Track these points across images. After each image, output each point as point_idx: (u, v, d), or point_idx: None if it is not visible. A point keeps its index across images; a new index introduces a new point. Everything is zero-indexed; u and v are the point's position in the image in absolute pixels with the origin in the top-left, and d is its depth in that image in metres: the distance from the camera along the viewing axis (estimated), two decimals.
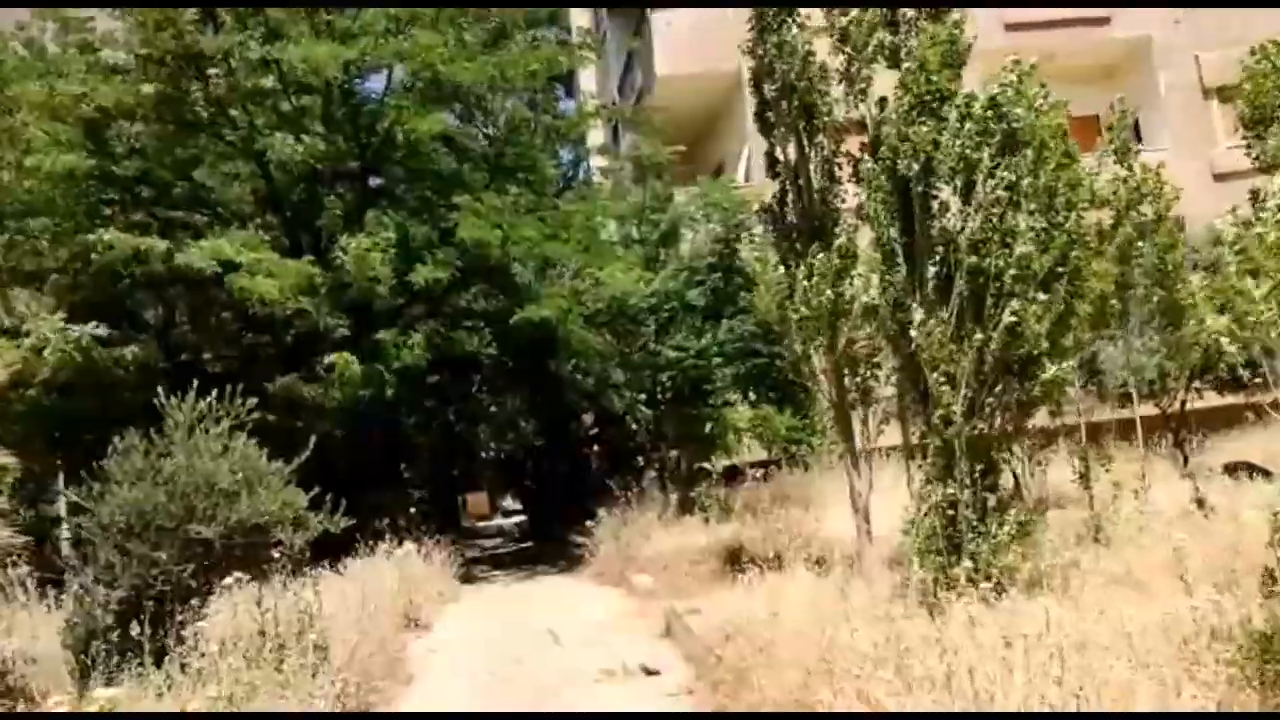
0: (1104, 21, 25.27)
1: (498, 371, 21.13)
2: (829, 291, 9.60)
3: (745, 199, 16.08)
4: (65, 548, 14.42)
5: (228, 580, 8.21)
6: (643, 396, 19.10)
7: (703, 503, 15.17)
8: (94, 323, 15.47)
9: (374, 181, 19.37)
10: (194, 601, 8.44)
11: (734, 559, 13.06)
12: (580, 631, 10.87)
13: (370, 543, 14.17)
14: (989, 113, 7.70)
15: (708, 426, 15.75)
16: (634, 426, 21.34)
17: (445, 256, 16.31)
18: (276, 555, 9.21)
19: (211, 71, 16.70)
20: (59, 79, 15.79)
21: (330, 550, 13.94)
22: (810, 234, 9.93)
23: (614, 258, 16.01)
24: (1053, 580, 7.51)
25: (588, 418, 23.18)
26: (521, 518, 34.01)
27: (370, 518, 18.21)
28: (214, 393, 9.39)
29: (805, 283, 9.73)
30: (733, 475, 17.79)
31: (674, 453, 17.37)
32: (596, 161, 23.31)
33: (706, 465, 15.70)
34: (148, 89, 15.91)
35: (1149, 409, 13.59)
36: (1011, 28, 22.88)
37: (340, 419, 17.40)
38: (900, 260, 8.19)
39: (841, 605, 7.75)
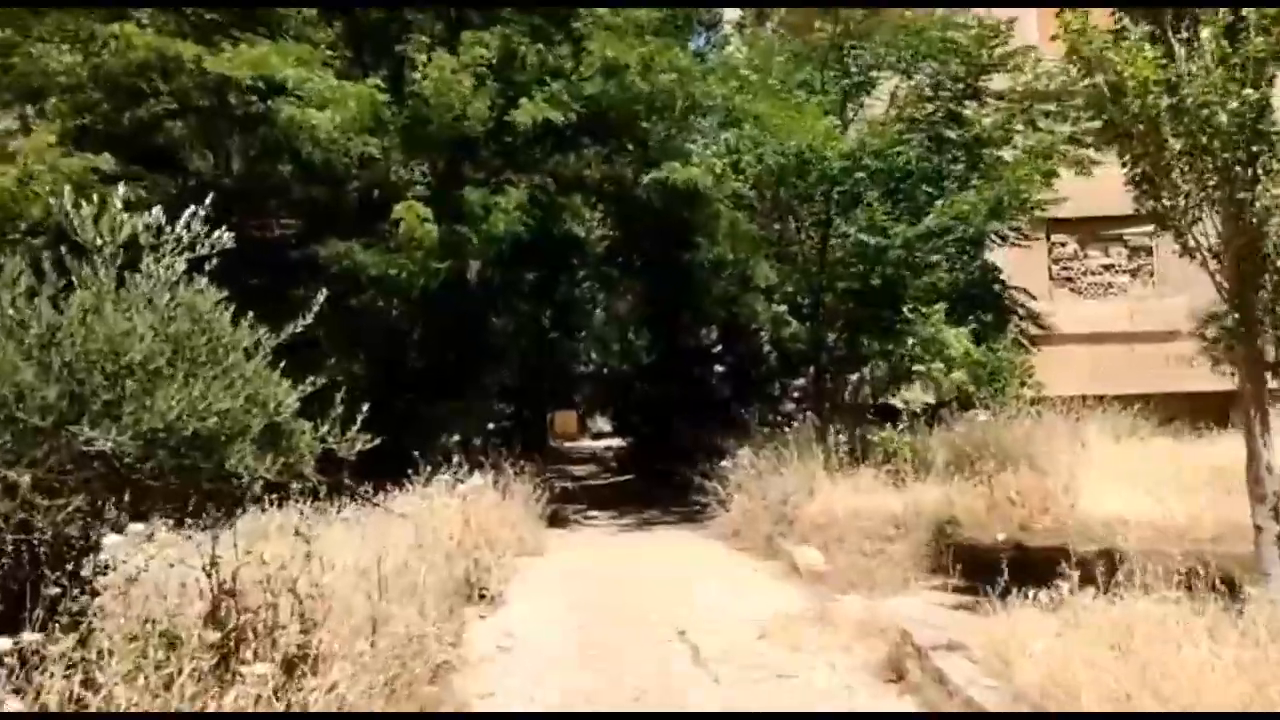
0: None
1: (610, 263, 16.99)
2: (1246, 92, 5.31)
3: (989, 31, 11.51)
4: None
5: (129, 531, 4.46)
6: (783, 308, 14.95)
7: (889, 449, 10.97)
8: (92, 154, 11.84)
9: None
10: (83, 562, 4.75)
11: (944, 538, 9.02)
12: (731, 641, 6.87)
13: (436, 465, 10.54)
14: None
15: (907, 344, 11.44)
16: (766, 344, 17.27)
17: (560, 92, 12.19)
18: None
19: None
20: None
21: (382, 472, 10.45)
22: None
23: (792, 104, 11.65)
24: None
25: (709, 330, 19.04)
26: (615, 441, 30.27)
27: (438, 432, 14.59)
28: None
29: (1200, 80, 5.44)
30: (891, 415, 13.62)
31: (854, 376, 13.09)
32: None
33: (896, 400, 11.47)
34: None
35: None
36: None
37: (410, 303, 13.66)
38: None
39: None
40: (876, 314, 11.76)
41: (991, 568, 8.49)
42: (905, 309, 11.49)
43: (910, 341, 11.40)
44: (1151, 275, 17.98)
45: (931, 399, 11.60)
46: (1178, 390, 16.92)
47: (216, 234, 5.17)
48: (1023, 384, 14.22)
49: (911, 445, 10.88)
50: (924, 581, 8.48)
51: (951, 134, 12.04)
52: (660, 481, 16.97)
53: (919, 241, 10.76)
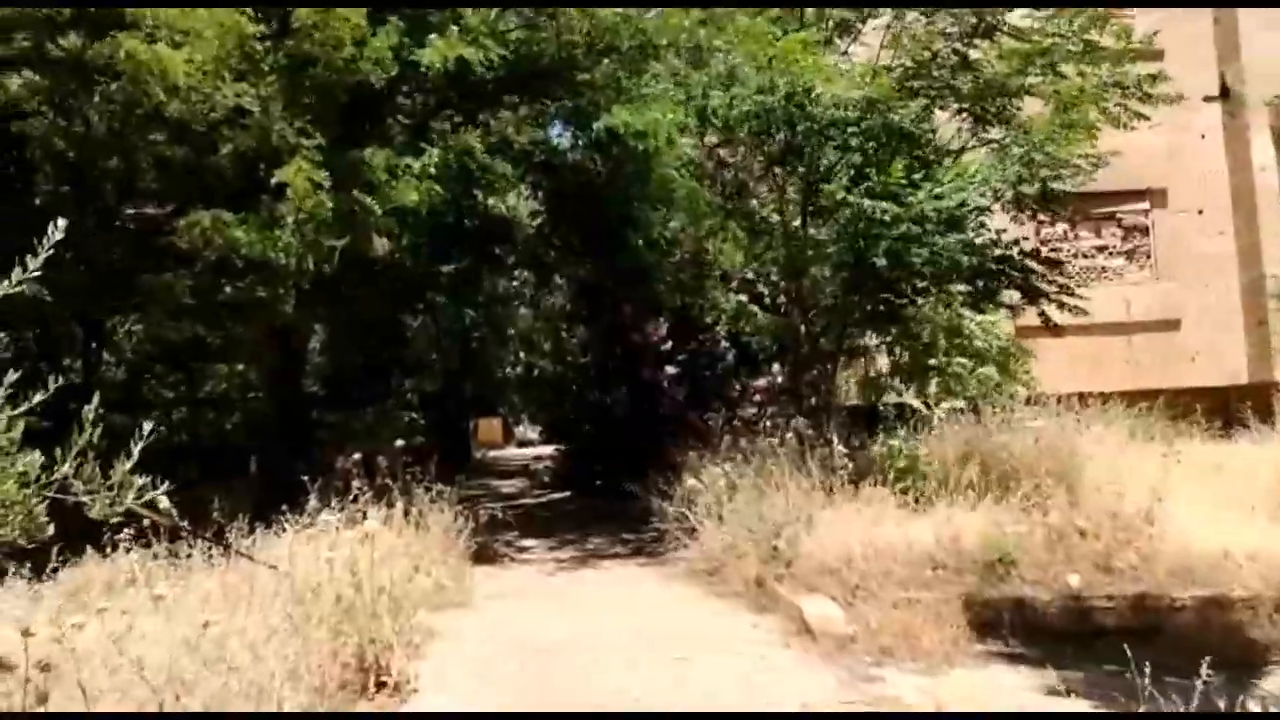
0: None
1: (543, 245, 14.54)
2: None
3: None
4: None
5: None
6: (743, 297, 12.87)
7: (900, 464, 8.79)
8: None
9: None
10: None
11: (998, 583, 6.94)
12: None
13: (335, 491, 8.34)
14: None
15: (922, 334, 9.26)
16: (724, 339, 15.15)
17: (479, 27, 9.87)
18: None
19: None
20: None
21: (272, 501, 8.41)
22: None
23: (773, 37, 9.36)
24: None
25: (657, 324, 16.69)
26: (546, 450, 27.89)
27: (339, 451, 12.24)
28: None
29: None
30: (873, 420, 11.55)
31: (841, 374, 10.86)
32: None
33: (914, 400, 9.30)
34: None
35: None
36: None
37: (305, 294, 11.19)
38: None
39: None
40: (876, 298, 9.62)
41: (1072, 625, 6.45)
42: (912, 291, 9.39)
43: (927, 331, 9.23)
44: (1148, 258, 16.22)
45: (957, 401, 9.43)
46: (1180, 386, 15.18)
47: None
48: (1024, 381, 12.28)
49: (933, 458, 8.74)
50: (981, 645, 6.36)
51: (960, 83, 9.91)
52: (602, 500, 14.72)
53: (935, 212, 8.59)
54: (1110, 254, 16.14)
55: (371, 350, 17.66)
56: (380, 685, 5.97)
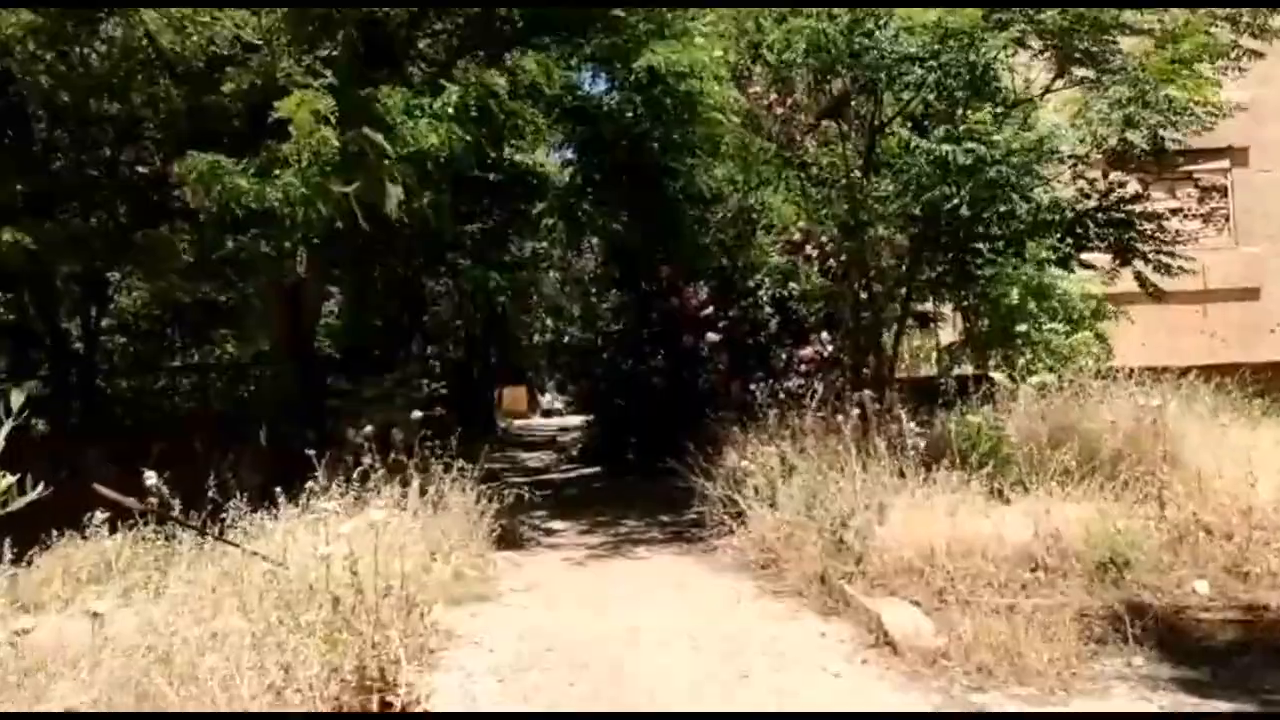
0: None
1: (569, 204, 13.45)
2: None
3: None
4: None
5: None
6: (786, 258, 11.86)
7: (981, 445, 7.73)
8: None
9: None
10: None
11: (1113, 588, 5.90)
12: None
13: (342, 467, 7.47)
14: None
15: (1009, 296, 8.18)
16: (767, 304, 14.12)
17: None
18: None
19: None
20: None
21: (282, 477, 7.37)
22: None
23: None
24: None
25: (695, 288, 15.57)
26: (572, 420, 27.03)
27: (352, 424, 11.32)
28: None
29: None
30: (931, 394, 10.51)
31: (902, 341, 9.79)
32: None
33: (1000, 374, 8.24)
34: None
35: None
36: None
37: (315, 248, 10.23)
38: None
39: None
40: (948, 257, 8.52)
41: (1206, 641, 5.42)
42: (990, 249, 8.28)
43: (1010, 293, 8.13)
44: (1227, 220, 14.99)
45: (1047, 374, 8.34)
46: (1261, 360, 13.97)
47: None
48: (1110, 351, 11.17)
49: (1022, 438, 7.66)
50: (1098, 664, 5.31)
51: (1045, 16, 8.71)
52: (637, 477, 13.78)
53: (1026, 151, 7.45)
54: (1185, 216, 14.91)
55: (391, 315, 16.77)
56: (385, 706, 5.01)
